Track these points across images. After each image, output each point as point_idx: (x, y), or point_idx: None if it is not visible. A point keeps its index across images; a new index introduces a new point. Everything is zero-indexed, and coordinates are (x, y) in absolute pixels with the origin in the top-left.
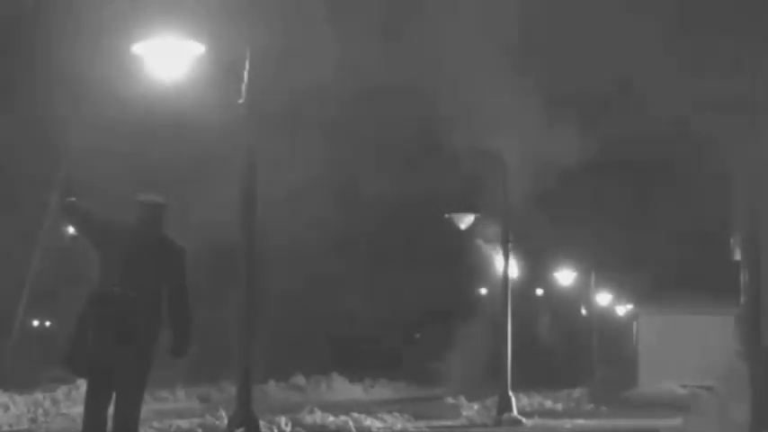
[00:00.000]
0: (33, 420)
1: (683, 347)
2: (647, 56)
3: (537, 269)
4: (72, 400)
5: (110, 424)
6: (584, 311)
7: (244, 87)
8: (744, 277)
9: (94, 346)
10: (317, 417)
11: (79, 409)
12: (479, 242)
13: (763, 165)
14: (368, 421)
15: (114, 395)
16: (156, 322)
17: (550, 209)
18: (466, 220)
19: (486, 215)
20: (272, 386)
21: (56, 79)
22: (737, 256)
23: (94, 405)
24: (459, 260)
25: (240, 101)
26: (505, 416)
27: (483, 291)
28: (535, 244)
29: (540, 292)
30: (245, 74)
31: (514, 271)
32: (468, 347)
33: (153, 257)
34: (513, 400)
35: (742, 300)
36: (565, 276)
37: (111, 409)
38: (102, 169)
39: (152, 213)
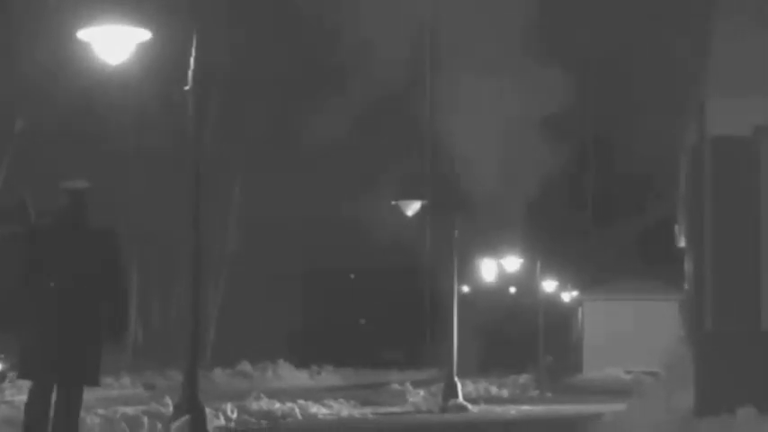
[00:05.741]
0: None
1: (627, 333)
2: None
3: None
4: (17, 387)
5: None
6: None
7: (190, 74)
8: (687, 264)
9: (38, 344)
10: (264, 403)
11: (23, 397)
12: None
13: (706, 152)
14: (314, 408)
15: (56, 386)
16: (96, 309)
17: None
18: (412, 207)
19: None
20: (218, 373)
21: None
22: (681, 243)
23: (38, 394)
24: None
25: (186, 87)
26: (451, 402)
27: (465, 288)
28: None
29: (513, 290)
30: (192, 60)
31: (491, 273)
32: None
33: (83, 244)
34: (459, 386)
35: (685, 286)
36: (510, 263)
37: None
38: (49, 155)
39: (76, 199)
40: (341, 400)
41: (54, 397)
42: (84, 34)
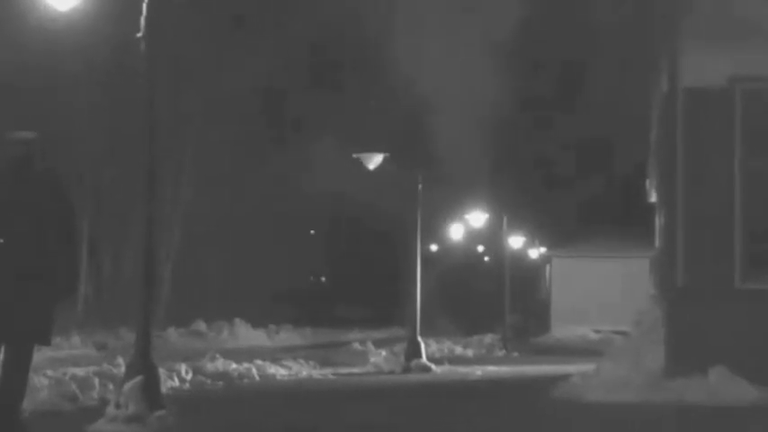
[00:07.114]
0: None
1: (596, 292)
2: None
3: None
4: None
5: None
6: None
7: (142, 20)
8: (658, 220)
9: None
10: (219, 364)
11: None
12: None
13: (679, 104)
14: (272, 368)
15: (4, 344)
16: (44, 264)
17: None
18: (374, 161)
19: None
20: (171, 333)
21: None
22: (652, 198)
23: None
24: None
25: (138, 35)
26: (414, 362)
27: (434, 247)
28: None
29: (480, 248)
30: (144, 6)
31: (459, 233)
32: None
33: (30, 196)
34: (423, 346)
35: (657, 243)
36: (476, 219)
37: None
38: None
39: (23, 150)
40: (300, 360)
41: (1, 356)
42: None
